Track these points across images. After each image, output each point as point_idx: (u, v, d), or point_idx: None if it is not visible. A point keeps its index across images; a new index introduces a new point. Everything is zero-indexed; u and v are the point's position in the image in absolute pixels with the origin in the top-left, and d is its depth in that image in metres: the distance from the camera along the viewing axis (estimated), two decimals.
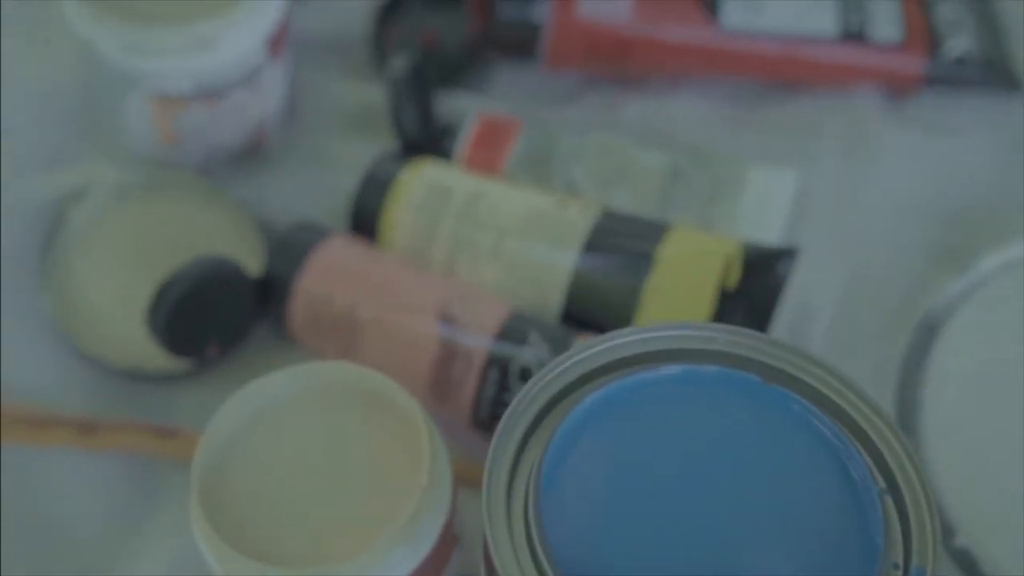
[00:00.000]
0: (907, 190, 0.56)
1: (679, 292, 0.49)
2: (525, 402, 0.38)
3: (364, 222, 0.53)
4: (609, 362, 0.39)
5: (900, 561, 0.35)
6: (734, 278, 0.49)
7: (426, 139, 0.56)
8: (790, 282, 0.50)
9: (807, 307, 0.52)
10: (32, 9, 0.62)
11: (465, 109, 0.59)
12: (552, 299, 0.50)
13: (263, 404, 0.42)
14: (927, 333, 0.51)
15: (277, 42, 0.54)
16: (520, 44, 0.58)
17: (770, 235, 0.54)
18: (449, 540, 0.43)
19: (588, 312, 0.50)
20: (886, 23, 0.58)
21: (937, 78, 0.58)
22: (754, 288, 0.49)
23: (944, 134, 0.58)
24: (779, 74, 0.59)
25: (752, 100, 0.60)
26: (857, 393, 0.38)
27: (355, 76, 0.61)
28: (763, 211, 0.54)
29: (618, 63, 0.58)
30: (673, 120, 0.59)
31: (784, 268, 0.49)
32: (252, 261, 0.54)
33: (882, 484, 0.37)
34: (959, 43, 0.58)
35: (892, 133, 0.58)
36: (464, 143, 0.56)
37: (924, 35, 0.58)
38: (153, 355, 0.52)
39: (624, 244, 0.50)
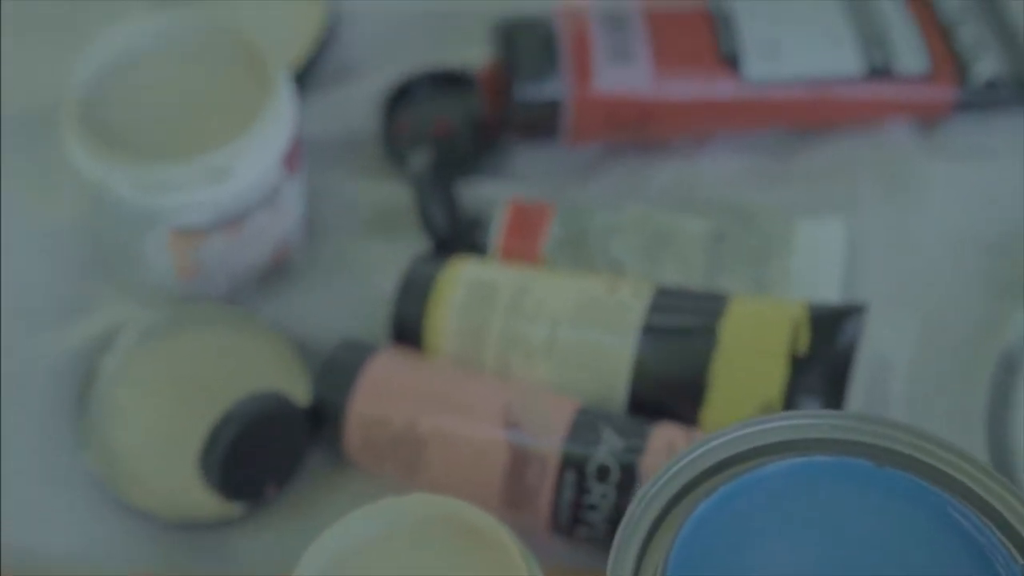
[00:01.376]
0: (956, 222, 0.54)
1: (748, 366, 0.47)
2: (641, 508, 0.36)
3: (406, 330, 0.51)
4: (719, 461, 0.38)
5: None
6: (804, 343, 0.47)
7: (456, 234, 0.54)
8: (861, 339, 0.48)
9: (882, 361, 0.50)
10: (28, 151, 0.59)
11: (490, 196, 0.57)
12: (616, 388, 0.48)
13: (347, 546, 0.40)
14: (1008, 372, 0.50)
15: (293, 158, 0.52)
16: (539, 124, 0.56)
17: (829, 290, 0.52)
18: None
19: (656, 397, 0.48)
20: (910, 55, 0.56)
21: (968, 103, 0.56)
22: (826, 351, 0.47)
23: (981, 159, 0.56)
24: (807, 120, 0.57)
25: (782, 149, 0.58)
26: (981, 469, 0.36)
27: (370, 174, 0.59)
28: (817, 265, 0.52)
29: (642, 130, 0.57)
30: (706, 181, 0.57)
31: (854, 326, 0.47)
32: (297, 387, 0.52)
33: (1020, 561, 0.35)
34: (987, 66, 0.56)
35: (930, 165, 0.56)
36: (497, 234, 0.53)
37: (950, 62, 0.56)
38: (205, 502, 0.49)
39: (684, 322, 0.48)
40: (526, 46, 0.56)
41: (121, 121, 0.51)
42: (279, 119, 0.51)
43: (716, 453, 0.38)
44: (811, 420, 0.38)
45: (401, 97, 0.61)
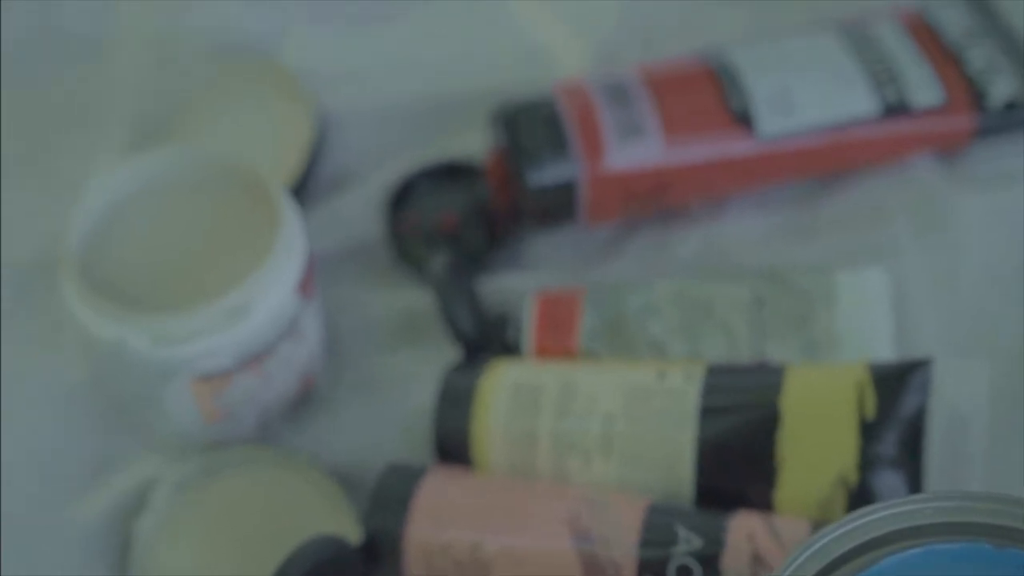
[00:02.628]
0: (1001, 254, 0.52)
1: (817, 439, 0.45)
2: None
3: (451, 445, 0.48)
4: (831, 560, 0.35)
5: None
6: (871, 407, 0.45)
7: (486, 336, 0.52)
8: (931, 394, 0.46)
9: (955, 415, 0.48)
10: (29, 306, 0.56)
11: (513, 290, 0.54)
12: (682, 479, 0.46)
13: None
14: None
15: (308, 283, 0.50)
16: (554, 209, 0.54)
17: (882, 345, 0.49)
18: None
19: (725, 483, 0.46)
20: (924, 87, 0.54)
21: (989, 129, 0.55)
22: (896, 412, 0.45)
23: (1013, 185, 0.54)
24: (827, 167, 0.55)
25: (806, 201, 0.56)
26: None
27: (383, 282, 0.57)
28: (865, 320, 0.50)
29: (660, 200, 0.55)
30: (733, 245, 0.55)
31: (921, 381, 0.45)
32: (346, 523, 0.49)
33: None
34: (1002, 88, 0.55)
35: (961, 198, 0.54)
36: (529, 330, 0.51)
37: (964, 88, 0.55)
38: None
39: (742, 400, 0.46)
40: (531, 130, 0.54)
41: (124, 271, 0.48)
42: (291, 248, 0.48)
43: (826, 552, 0.35)
44: (918, 505, 0.36)
45: (403, 197, 0.58)
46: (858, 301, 0.51)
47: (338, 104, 0.61)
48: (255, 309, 0.47)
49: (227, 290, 0.47)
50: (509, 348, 0.52)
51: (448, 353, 0.53)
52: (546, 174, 0.53)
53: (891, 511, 0.36)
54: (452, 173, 0.58)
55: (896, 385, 0.46)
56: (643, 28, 0.62)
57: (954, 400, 0.48)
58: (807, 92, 0.54)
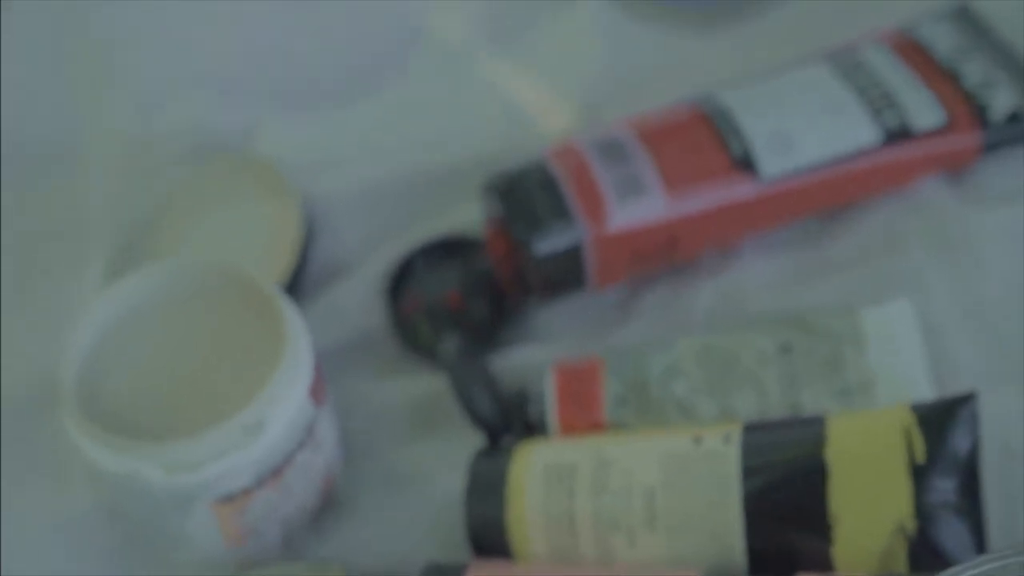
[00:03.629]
0: (1019, 271, 0.51)
1: (869, 490, 0.43)
2: None
3: (487, 537, 0.46)
4: None
5: None
6: (920, 450, 0.43)
7: (507, 417, 0.50)
8: (980, 429, 0.44)
9: (1005, 449, 0.46)
10: (28, 436, 0.54)
11: (528, 364, 0.52)
12: (733, 547, 0.44)
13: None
14: None
15: (318, 388, 0.48)
16: (561, 277, 0.52)
17: (918, 381, 0.48)
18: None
19: (778, 546, 0.43)
20: (923, 109, 0.53)
21: (994, 144, 0.53)
22: (947, 452, 0.43)
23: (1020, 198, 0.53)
24: (835, 201, 0.54)
25: (816, 239, 0.54)
26: None
27: (391, 371, 0.55)
28: (897, 357, 0.48)
29: (669, 255, 0.53)
30: (750, 292, 0.53)
31: (968, 417, 0.44)
32: None
33: None
34: (1003, 101, 0.53)
35: (976, 217, 0.52)
36: (551, 406, 0.49)
37: (964, 105, 0.53)
38: None
39: (786, 457, 0.44)
40: (528, 198, 0.52)
41: (127, 398, 0.46)
42: (298, 355, 0.46)
43: None
44: (1001, 562, 0.34)
45: (402, 280, 0.56)
46: (888, 338, 0.49)
47: (323, 192, 0.59)
48: (270, 424, 0.45)
49: (239, 408, 0.44)
50: (532, 426, 0.50)
51: (470, 439, 0.51)
52: (550, 242, 0.52)
53: (976, 571, 0.34)
54: (449, 249, 0.57)
55: (943, 424, 0.44)
56: (627, 77, 0.60)
57: (999, 432, 0.46)
58: (805, 128, 0.53)
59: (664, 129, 0.53)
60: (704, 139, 0.53)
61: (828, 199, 0.53)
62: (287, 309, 0.47)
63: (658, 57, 0.61)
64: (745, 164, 0.52)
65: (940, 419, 0.44)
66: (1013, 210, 0.53)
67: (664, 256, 0.53)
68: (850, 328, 0.50)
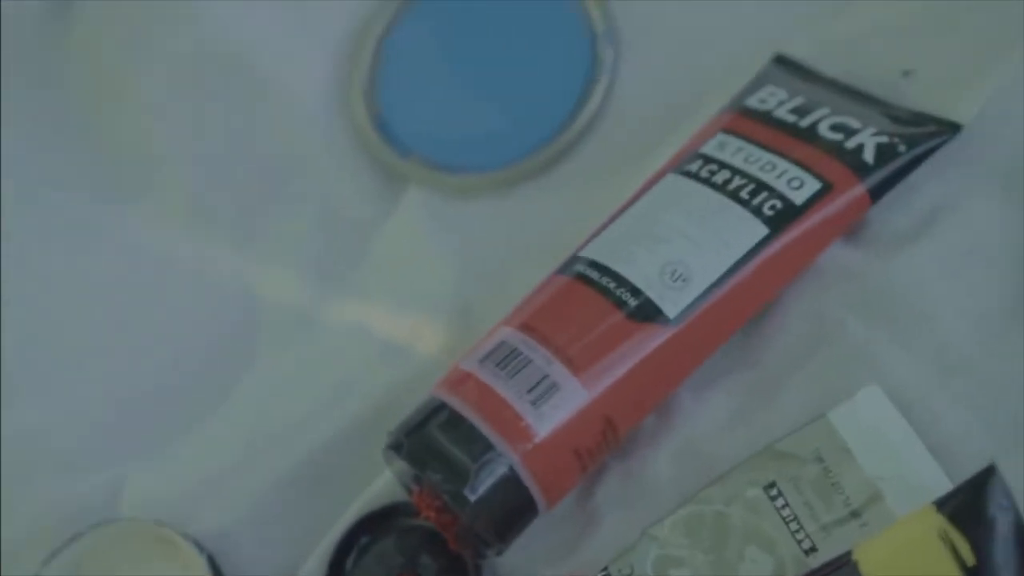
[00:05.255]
0: (976, 302, 0.46)
1: None
2: None
3: None
4: None
5: None
6: (967, 549, 0.38)
7: None
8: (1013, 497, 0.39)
9: None
10: None
11: None
12: None
13: None
14: None
15: None
16: (506, 513, 0.46)
17: (925, 468, 0.43)
18: None
19: None
20: (797, 181, 0.48)
21: (880, 186, 0.49)
22: (989, 538, 0.38)
23: (932, 223, 0.49)
24: (751, 311, 0.49)
25: (749, 354, 0.49)
26: None
27: None
28: (892, 450, 0.44)
29: (611, 440, 0.47)
30: (706, 442, 0.47)
31: (998, 493, 0.39)
32: None
33: None
34: (866, 139, 0.49)
35: (895, 264, 0.48)
36: None
37: (834, 160, 0.49)
38: None
39: None
40: (439, 446, 0.46)
41: None
42: None
43: None
44: None
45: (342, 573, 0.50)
46: (870, 433, 0.44)
47: (215, 523, 0.52)
48: None
49: None
50: None
51: None
52: (481, 483, 0.45)
53: None
54: (382, 525, 0.50)
55: (978, 512, 0.39)
56: (481, 268, 0.55)
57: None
58: (692, 251, 0.47)
59: (547, 313, 0.48)
60: (592, 305, 0.47)
61: (744, 311, 0.48)
62: None
63: (499, 232, 0.56)
64: (646, 314, 0.47)
65: (972, 507, 0.39)
66: (931, 240, 0.48)
67: (608, 442, 0.47)
68: (826, 438, 0.45)
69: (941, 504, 0.40)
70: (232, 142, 0.61)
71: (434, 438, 0.46)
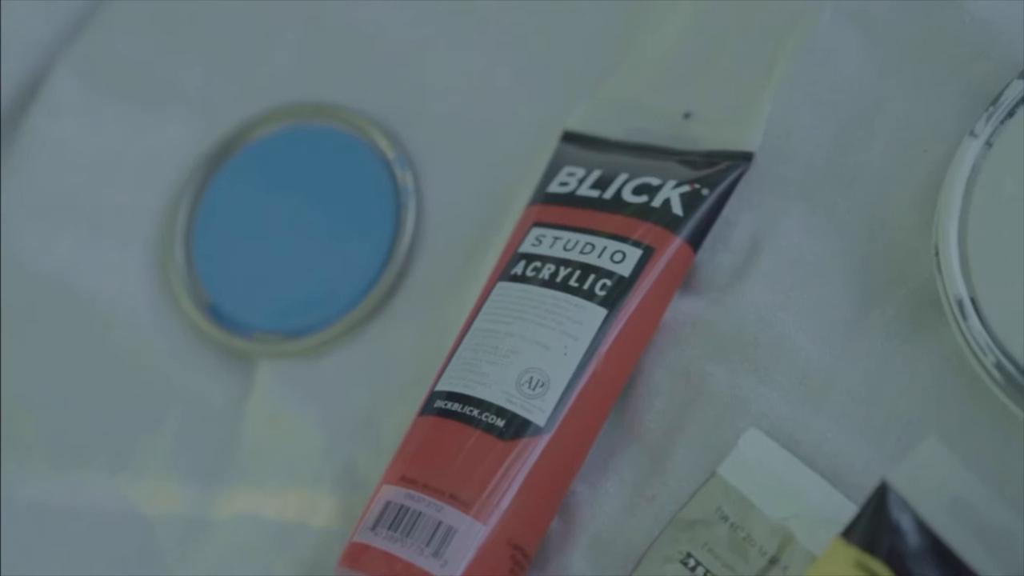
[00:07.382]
0: (816, 318, 0.48)
1: None
2: None
3: None
4: None
5: None
6: (884, 571, 0.39)
7: None
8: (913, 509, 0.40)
9: (954, 504, 0.41)
10: None
11: None
12: None
13: None
14: None
15: None
16: None
17: (826, 499, 0.44)
18: None
19: None
20: (617, 252, 0.49)
21: (696, 232, 0.49)
22: (907, 553, 0.39)
23: (757, 255, 0.49)
24: (616, 393, 0.48)
25: (621, 433, 0.49)
26: None
27: None
28: (790, 491, 0.44)
29: (522, 561, 0.46)
30: (612, 532, 0.47)
31: (898, 506, 0.39)
32: None
33: None
34: (671, 191, 0.50)
35: (734, 310, 0.48)
36: None
37: (645, 222, 0.49)
38: None
39: None
40: None
41: None
42: None
43: None
44: None
45: None
46: (763, 480, 0.45)
47: None
48: None
49: None
50: None
51: None
52: None
53: None
54: None
55: (884, 531, 0.39)
56: (352, 426, 0.55)
57: (937, 490, 0.41)
58: (544, 355, 0.47)
59: (422, 459, 0.47)
60: (463, 438, 0.47)
61: (611, 393, 0.48)
62: None
63: (359, 381, 0.55)
64: (517, 430, 0.46)
65: (879, 530, 0.39)
66: (756, 276, 0.49)
67: (520, 564, 0.46)
68: (723, 495, 0.45)
69: (848, 534, 0.40)
70: (78, 373, 0.60)
71: None
